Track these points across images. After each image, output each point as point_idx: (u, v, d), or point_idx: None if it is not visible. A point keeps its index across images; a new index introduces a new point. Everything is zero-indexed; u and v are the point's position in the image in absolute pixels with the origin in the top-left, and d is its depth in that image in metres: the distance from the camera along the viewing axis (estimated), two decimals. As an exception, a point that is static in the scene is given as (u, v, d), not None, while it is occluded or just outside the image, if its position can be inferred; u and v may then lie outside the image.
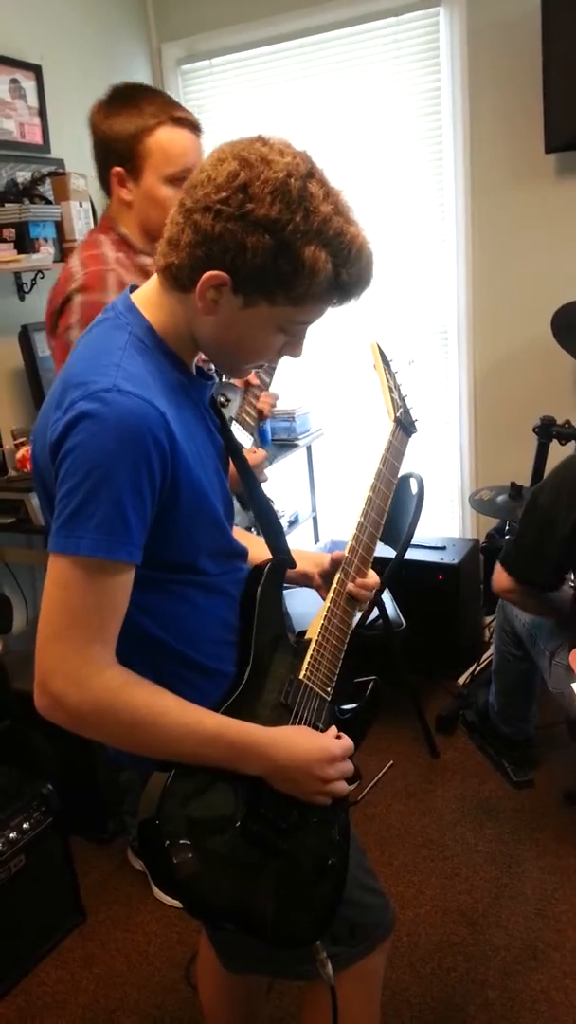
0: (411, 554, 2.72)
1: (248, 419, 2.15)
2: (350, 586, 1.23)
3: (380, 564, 1.28)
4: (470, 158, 2.93)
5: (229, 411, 2.13)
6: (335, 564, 1.25)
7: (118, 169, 1.73)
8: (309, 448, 3.40)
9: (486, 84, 2.85)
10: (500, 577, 2.08)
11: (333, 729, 1.14)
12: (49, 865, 2.06)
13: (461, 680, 3.01)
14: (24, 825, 1.99)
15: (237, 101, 3.30)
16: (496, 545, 2.75)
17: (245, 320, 1.00)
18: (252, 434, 2.18)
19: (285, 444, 3.21)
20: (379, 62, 3.00)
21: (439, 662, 3.04)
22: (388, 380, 1.44)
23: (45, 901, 2.07)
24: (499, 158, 2.90)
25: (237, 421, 2.13)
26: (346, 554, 1.25)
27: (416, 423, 1.44)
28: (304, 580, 1.31)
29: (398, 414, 1.39)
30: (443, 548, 3.02)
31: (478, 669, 3.00)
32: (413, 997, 1.87)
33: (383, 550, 1.30)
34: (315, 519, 3.57)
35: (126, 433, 0.90)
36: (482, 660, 3.02)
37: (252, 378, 2.17)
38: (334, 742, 1.09)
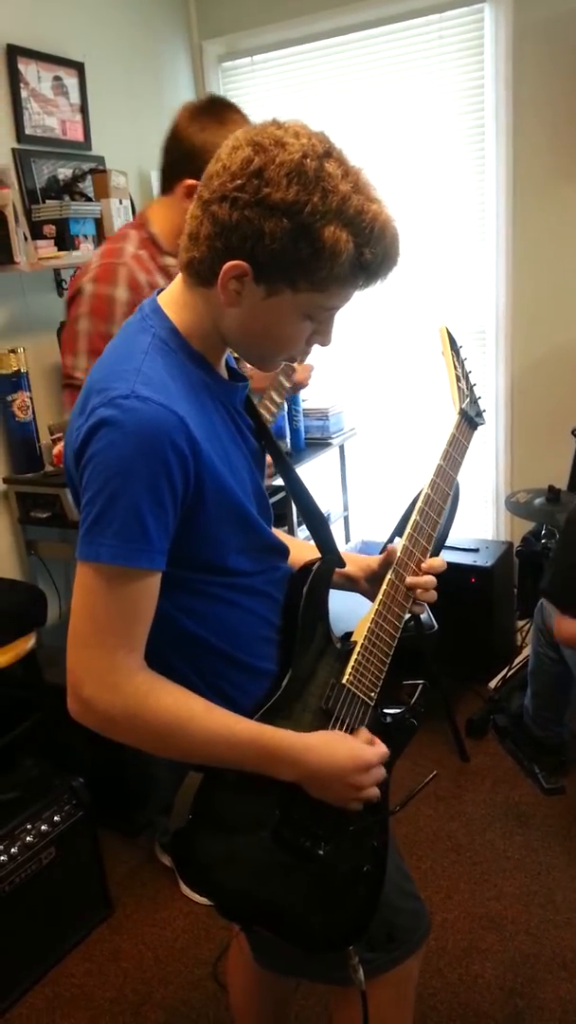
0: (443, 555, 2.69)
1: (271, 406, 2.12)
2: (410, 579, 1.16)
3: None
4: (513, 156, 2.89)
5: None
6: (386, 564, 1.19)
7: (193, 182, 1.72)
8: (342, 447, 3.39)
9: (531, 81, 2.81)
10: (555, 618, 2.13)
11: (365, 734, 1.10)
12: (78, 858, 2.07)
13: (492, 684, 2.98)
14: (55, 818, 2.01)
15: (278, 98, 3.28)
16: (532, 549, 2.72)
17: (269, 309, 0.97)
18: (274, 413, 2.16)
19: (318, 443, 3.20)
20: (422, 59, 2.97)
21: (470, 666, 3.02)
22: (456, 368, 1.33)
23: (74, 893, 2.08)
24: (543, 157, 2.86)
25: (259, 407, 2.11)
26: (399, 554, 1.18)
27: (483, 414, 1.34)
28: (349, 584, 1.27)
29: (464, 404, 1.29)
30: (476, 550, 3.00)
31: (510, 673, 2.97)
32: (440, 1003, 1.86)
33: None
34: (346, 519, 3.56)
35: (144, 440, 0.90)
36: (514, 664, 2.99)
37: None
38: (368, 749, 1.07)
